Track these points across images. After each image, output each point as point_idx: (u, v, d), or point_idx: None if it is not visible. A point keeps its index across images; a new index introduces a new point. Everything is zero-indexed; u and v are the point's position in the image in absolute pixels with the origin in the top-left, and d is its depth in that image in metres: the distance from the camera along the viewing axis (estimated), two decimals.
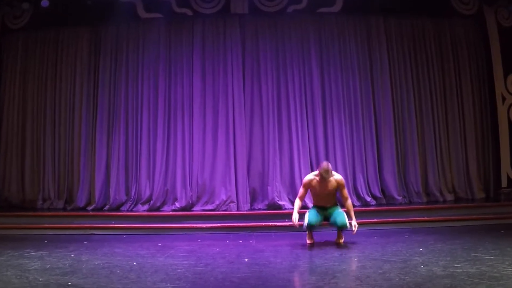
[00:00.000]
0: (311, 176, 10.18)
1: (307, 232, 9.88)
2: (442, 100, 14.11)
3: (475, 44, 14.34)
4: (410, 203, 13.55)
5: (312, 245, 9.67)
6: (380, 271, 7.01)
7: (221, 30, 14.19)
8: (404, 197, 13.66)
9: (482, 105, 14.26)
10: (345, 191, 10.12)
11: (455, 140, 13.98)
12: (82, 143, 13.92)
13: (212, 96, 13.93)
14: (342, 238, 9.86)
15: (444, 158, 13.91)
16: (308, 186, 10.03)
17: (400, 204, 13.39)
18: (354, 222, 9.65)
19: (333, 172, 10.06)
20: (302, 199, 10.19)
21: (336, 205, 10.13)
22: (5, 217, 12.75)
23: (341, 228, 9.71)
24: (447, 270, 6.86)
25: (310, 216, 9.79)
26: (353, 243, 9.65)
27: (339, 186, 9.98)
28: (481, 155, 14.15)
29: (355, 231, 9.55)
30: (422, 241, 9.61)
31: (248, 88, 13.98)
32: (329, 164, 9.95)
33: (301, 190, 10.16)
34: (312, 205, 10.46)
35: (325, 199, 10.03)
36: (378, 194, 13.64)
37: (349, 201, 10.10)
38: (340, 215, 9.71)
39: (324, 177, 9.77)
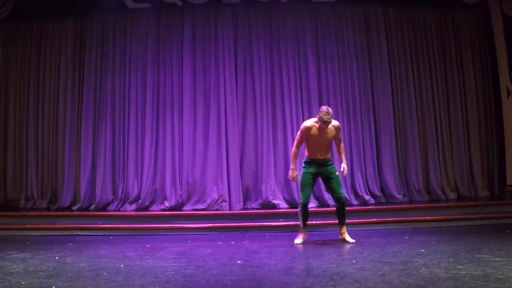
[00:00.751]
0: (310, 122, 10.17)
1: (300, 219, 10.01)
2: (444, 93, 14.11)
3: (478, 35, 14.34)
4: (411, 201, 13.56)
5: (302, 242, 9.88)
6: (380, 273, 6.99)
7: (212, 21, 14.15)
8: (405, 195, 13.66)
9: (486, 99, 14.27)
10: (340, 135, 10.49)
11: (458, 135, 13.99)
12: (66, 140, 13.87)
13: (203, 90, 13.89)
14: (345, 231, 10.01)
15: (446, 154, 13.91)
16: (306, 133, 9.98)
17: (400, 203, 13.40)
18: (344, 165, 10.21)
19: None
20: (298, 147, 10.22)
21: (330, 160, 10.24)
22: None
23: (341, 205, 10.05)
24: (450, 272, 6.85)
25: (305, 190, 10.05)
26: (352, 243, 9.63)
27: (337, 133, 10.16)
28: (485, 151, 14.15)
29: (345, 174, 10.22)
30: (424, 241, 9.59)
31: (240, 81, 13.96)
32: (329, 108, 9.98)
33: (298, 137, 10.21)
34: (305, 159, 10.23)
35: (322, 150, 10.07)
36: (377, 192, 13.64)
37: (342, 144, 10.51)
38: (338, 184, 10.08)
39: (325, 122, 9.73)
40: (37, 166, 14.13)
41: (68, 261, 8.42)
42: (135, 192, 13.65)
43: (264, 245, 9.99)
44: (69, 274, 7.41)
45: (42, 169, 14.13)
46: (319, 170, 10.05)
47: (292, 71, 14.00)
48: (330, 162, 10.15)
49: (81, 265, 8.07)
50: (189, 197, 13.54)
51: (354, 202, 13.41)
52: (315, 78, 13.98)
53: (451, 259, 7.69)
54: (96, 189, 13.68)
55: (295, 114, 13.76)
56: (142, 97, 13.96)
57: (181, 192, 13.58)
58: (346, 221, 10.35)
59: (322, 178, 10.27)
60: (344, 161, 10.30)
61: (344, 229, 10.02)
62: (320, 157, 10.01)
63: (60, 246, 9.94)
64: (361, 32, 14.21)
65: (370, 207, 13.17)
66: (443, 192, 13.71)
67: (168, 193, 13.58)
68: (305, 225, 10.00)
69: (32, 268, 7.80)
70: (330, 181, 10.05)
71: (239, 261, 8.29)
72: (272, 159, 13.60)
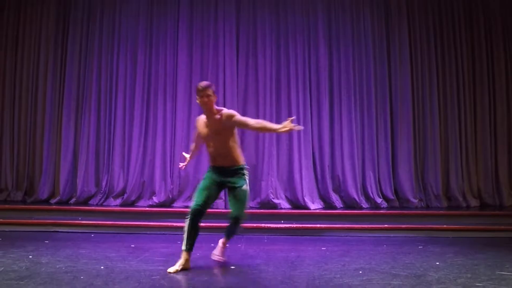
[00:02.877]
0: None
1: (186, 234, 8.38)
2: (470, 89, 14.10)
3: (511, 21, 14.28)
4: (428, 207, 13.58)
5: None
6: (389, 287, 7.03)
7: None
8: (421, 200, 13.69)
9: None
10: (241, 118, 8.37)
11: (484, 136, 13.98)
12: (46, 126, 13.94)
13: (200, 75, 13.93)
14: (225, 244, 8.76)
15: (470, 157, 13.92)
16: (196, 127, 8.76)
17: (416, 208, 13.44)
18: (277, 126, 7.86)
19: (221, 108, 8.52)
20: (194, 143, 9.37)
21: (240, 169, 8.60)
22: None
23: (235, 222, 8.48)
24: None
25: (197, 193, 8.48)
26: (359, 252, 9.66)
27: (231, 122, 8.30)
28: None
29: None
30: (440, 253, 9.62)
31: (242, 66, 14.05)
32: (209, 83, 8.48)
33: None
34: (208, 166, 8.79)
35: (218, 151, 8.46)
36: (390, 195, 13.68)
37: (254, 120, 8.38)
38: (238, 202, 8.42)
39: (201, 101, 8.30)
40: (12, 154, 14.24)
41: (43, 261, 8.47)
42: (121, 185, 13.72)
43: (262, 249, 10.03)
44: (43, 275, 7.45)
45: (17, 157, 14.23)
46: (223, 179, 8.54)
47: (300, 57, 14.04)
48: (239, 173, 8.60)
49: (57, 266, 8.11)
50: (180, 193, 13.65)
51: (364, 205, 13.46)
52: (326, 66, 14.03)
53: (469, 275, 7.71)
54: (78, 180, 13.77)
55: (302, 106, 13.81)
56: (131, 80, 14.06)
57: (171, 187, 13.67)
58: (355, 225, 10.38)
59: (228, 187, 8.68)
60: (276, 127, 7.93)
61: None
62: (222, 164, 8.56)
63: (35, 244, 10.00)
64: (380, 16, 14.23)
65: (381, 211, 13.14)
66: (464, 198, 13.72)
67: (157, 188, 13.67)
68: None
69: (2, 268, 7.85)
70: (234, 190, 8.52)
71: (232, 267, 8.36)
72: (274, 153, 13.65)
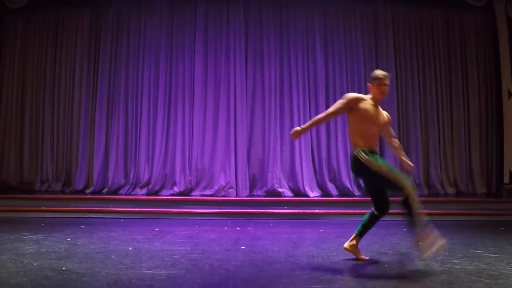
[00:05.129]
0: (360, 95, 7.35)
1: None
2: (447, 91, 14.16)
3: (483, 37, 14.34)
4: None
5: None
6: (377, 264, 7.03)
7: (224, 12, 14.22)
8: None
9: (487, 100, 14.30)
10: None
11: (459, 133, 14.03)
12: (81, 126, 13.97)
13: (214, 80, 13.98)
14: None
15: (447, 150, 13.98)
16: (355, 104, 7.14)
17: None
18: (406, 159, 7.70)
19: None
20: (328, 118, 7.60)
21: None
22: (3, 199, 12.75)
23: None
24: (445, 265, 6.86)
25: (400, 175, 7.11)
26: (352, 233, 9.63)
27: (387, 122, 7.47)
28: (484, 149, 14.20)
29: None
30: None
31: (250, 72, 14.05)
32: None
33: (335, 106, 7.30)
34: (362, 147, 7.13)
35: (376, 138, 7.37)
36: None
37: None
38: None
39: (385, 89, 7.21)
40: (52, 150, 14.26)
41: (79, 243, 8.46)
42: (146, 177, 13.73)
43: (268, 232, 10.02)
44: (79, 255, 7.45)
45: (57, 153, 14.26)
46: None
47: (300, 63, 14.08)
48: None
49: (92, 247, 8.11)
50: (197, 183, 13.64)
51: (356, 193, 13.55)
52: (322, 70, 14.07)
53: (446, 253, 7.65)
54: (109, 173, 13.79)
55: (302, 105, 13.87)
56: (154, 85, 14.05)
57: (190, 178, 13.67)
58: (349, 210, 10.38)
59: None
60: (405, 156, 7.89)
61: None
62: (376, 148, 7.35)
63: (72, 228, 9.98)
64: (369, 28, 14.26)
65: None
66: (442, 187, 13.79)
67: (177, 179, 13.67)
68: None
69: (44, 250, 7.84)
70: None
71: (243, 247, 8.32)
72: (278, 148, 13.66)
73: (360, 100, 7.13)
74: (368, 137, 7.09)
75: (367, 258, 7.30)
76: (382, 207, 7.39)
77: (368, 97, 7.21)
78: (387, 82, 7.17)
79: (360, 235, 7.42)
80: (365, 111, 7.05)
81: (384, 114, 7.36)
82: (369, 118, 7.07)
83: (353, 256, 7.30)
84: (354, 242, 7.36)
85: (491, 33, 14.17)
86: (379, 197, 7.42)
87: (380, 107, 7.29)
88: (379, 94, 7.16)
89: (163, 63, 14.12)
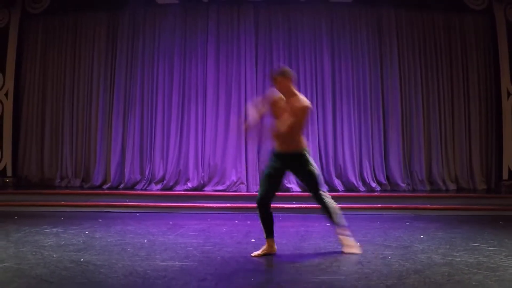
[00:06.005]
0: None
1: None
2: (449, 92, 14.08)
3: (483, 39, 14.22)
4: (414, 190, 13.55)
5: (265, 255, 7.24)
6: (381, 256, 7.00)
7: (235, 17, 14.21)
8: (408, 184, 13.65)
9: (487, 99, 14.18)
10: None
11: (460, 131, 13.96)
12: (99, 125, 14.00)
13: (225, 81, 13.98)
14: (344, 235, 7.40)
15: (448, 148, 13.91)
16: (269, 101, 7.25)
17: (404, 191, 13.40)
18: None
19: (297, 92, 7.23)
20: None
21: (302, 152, 7.21)
22: (25, 194, 12.94)
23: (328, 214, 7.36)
24: (446, 258, 6.84)
25: (261, 182, 7.51)
26: (357, 227, 9.63)
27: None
28: (484, 147, 14.10)
29: None
30: (424, 228, 9.56)
31: (260, 74, 14.00)
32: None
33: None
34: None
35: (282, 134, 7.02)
36: (383, 180, 13.65)
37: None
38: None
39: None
40: (71, 148, 14.31)
41: (97, 236, 8.51)
42: (161, 173, 13.76)
43: (277, 225, 9.83)
44: (97, 248, 7.48)
45: (76, 151, 14.32)
46: (285, 168, 7.42)
47: (308, 66, 14.03)
48: (303, 156, 7.25)
49: (109, 240, 8.15)
50: (210, 179, 13.64)
51: (361, 188, 13.46)
52: (329, 73, 14.00)
53: (448, 246, 7.67)
54: (125, 169, 13.83)
55: None
56: (168, 87, 14.09)
57: (202, 174, 13.68)
58: (354, 205, 10.39)
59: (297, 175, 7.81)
60: None
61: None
62: (284, 149, 7.20)
63: (90, 222, 10.03)
64: (374, 32, 14.18)
65: (375, 193, 13.20)
66: (444, 183, 13.71)
67: (191, 175, 13.68)
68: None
69: (63, 242, 7.88)
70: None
71: (253, 240, 8.35)
72: None
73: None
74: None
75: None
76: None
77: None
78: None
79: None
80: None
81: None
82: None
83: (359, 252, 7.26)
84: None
85: (491, 36, 14.08)
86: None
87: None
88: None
89: (177, 65, 14.13)
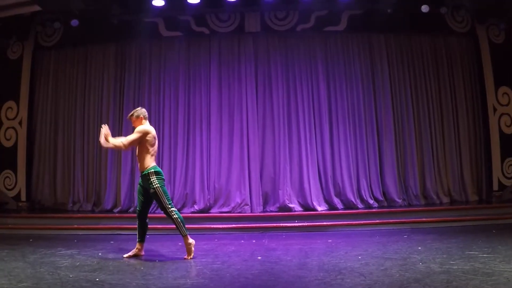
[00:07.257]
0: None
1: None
2: (438, 110, 14.14)
3: (468, 59, 14.36)
4: (409, 205, 13.50)
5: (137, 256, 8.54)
6: (382, 268, 7.01)
7: (235, 47, 14.29)
8: (404, 199, 13.62)
9: (475, 115, 14.28)
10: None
11: (451, 147, 13.99)
12: (109, 151, 13.94)
13: (228, 108, 14.00)
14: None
15: (440, 164, 13.92)
16: (147, 135, 9.09)
17: (400, 206, 13.36)
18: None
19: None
20: (127, 147, 8.88)
21: (149, 174, 8.57)
22: (39, 218, 12.96)
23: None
24: (444, 266, 6.86)
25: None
26: (357, 242, 9.62)
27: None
28: (474, 161, 14.14)
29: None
30: (421, 240, 9.58)
31: (260, 100, 14.05)
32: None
33: (133, 137, 8.95)
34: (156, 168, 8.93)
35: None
36: (380, 197, 13.61)
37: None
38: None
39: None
40: (83, 174, 14.32)
41: (110, 257, 8.50)
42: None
43: (281, 243, 9.99)
44: (111, 268, 7.48)
45: (87, 176, 14.33)
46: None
47: (305, 91, 14.06)
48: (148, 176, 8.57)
49: (121, 260, 8.15)
50: (215, 201, 13.59)
51: (360, 205, 13.37)
52: (325, 96, 14.03)
53: (444, 256, 7.70)
54: (135, 194, 13.61)
55: (308, 129, 13.84)
56: (174, 114, 14.12)
57: (208, 197, 13.64)
58: (354, 222, 10.37)
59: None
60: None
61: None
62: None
63: (103, 244, 10.04)
64: (365, 56, 14.25)
65: (373, 210, 13.12)
66: (438, 196, 13.70)
67: (197, 198, 13.64)
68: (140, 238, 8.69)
69: (78, 263, 7.87)
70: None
71: (259, 257, 8.31)
72: (288, 168, 13.63)
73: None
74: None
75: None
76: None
77: None
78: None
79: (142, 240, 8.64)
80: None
81: None
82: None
83: (360, 263, 7.23)
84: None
85: (475, 55, 14.23)
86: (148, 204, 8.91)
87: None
88: None
89: (182, 94, 14.17)
